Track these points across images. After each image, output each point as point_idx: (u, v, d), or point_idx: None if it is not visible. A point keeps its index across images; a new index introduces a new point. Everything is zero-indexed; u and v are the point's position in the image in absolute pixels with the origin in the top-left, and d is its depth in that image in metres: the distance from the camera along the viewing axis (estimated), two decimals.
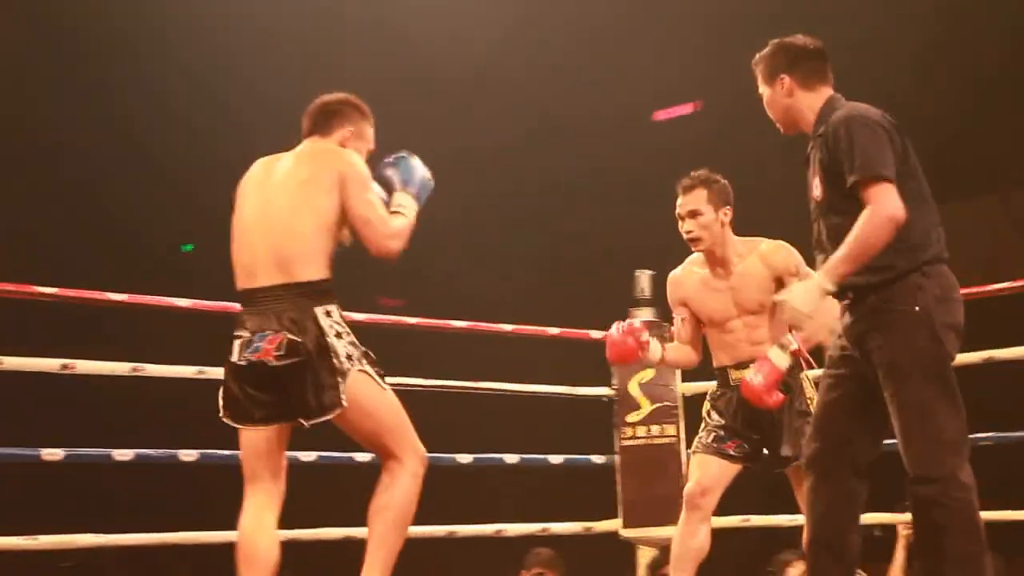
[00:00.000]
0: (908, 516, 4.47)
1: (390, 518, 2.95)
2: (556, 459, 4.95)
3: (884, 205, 2.85)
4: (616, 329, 3.84)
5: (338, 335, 2.92)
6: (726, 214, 3.80)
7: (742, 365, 3.73)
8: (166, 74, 9.26)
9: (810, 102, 3.08)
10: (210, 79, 9.09)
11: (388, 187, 3.17)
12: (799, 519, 4.75)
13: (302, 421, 2.95)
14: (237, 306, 3.07)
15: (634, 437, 4.89)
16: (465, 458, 4.63)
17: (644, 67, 8.72)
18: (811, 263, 3.22)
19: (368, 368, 2.95)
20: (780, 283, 3.69)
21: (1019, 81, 8.09)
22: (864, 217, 2.85)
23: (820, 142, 3.00)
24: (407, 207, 3.14)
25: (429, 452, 3.04)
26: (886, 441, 4.43)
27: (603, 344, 4.80)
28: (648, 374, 4.89)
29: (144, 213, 9.98)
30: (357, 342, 2.97)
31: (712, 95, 9.38)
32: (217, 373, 3.18)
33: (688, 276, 3.90)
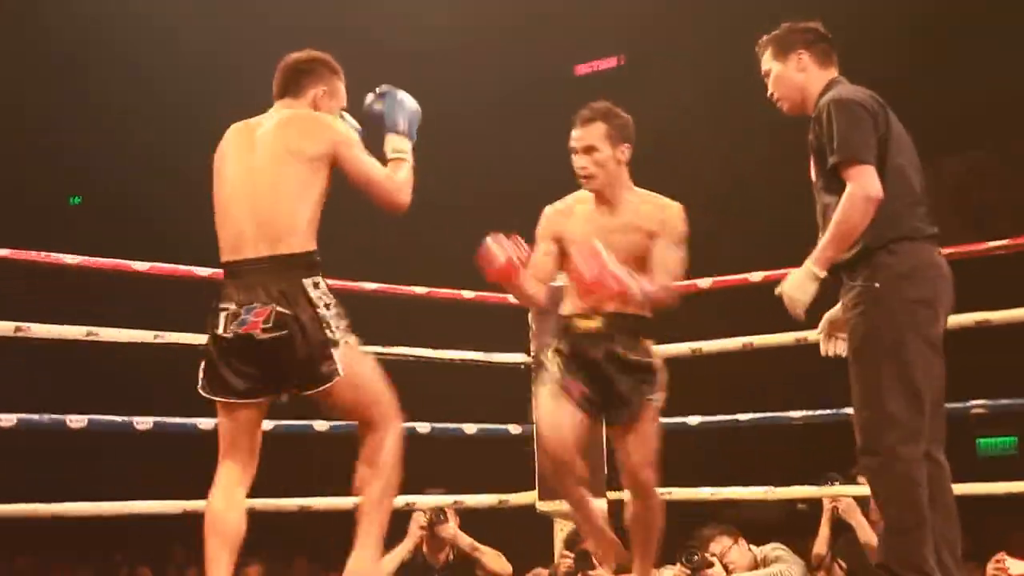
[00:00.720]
0: (834, 490, 4.44)
1: (380, 486, 2.97)
2: (470, 428, 4.75)
3: (860, 186, 2.93)
4: (496, 245, 3.40)
5: (327, 306, 2.93)
6: (624, 152, 3.52)
7: (593, 316, 3.50)
8: None
9: (818, 82, 3.15)
10: None
11: (377, 125, 3.10)
12: (723, 492, 4.67)
13: (295, 392, 2.97)
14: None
15: None
16: None
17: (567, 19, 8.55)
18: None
19: (352, 338, 2.97)
20: (653, 242, 3.46)
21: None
22: (843, 199, 2.94)
23: (812, 123, 3.07)
24: (404, 151, 3.11)
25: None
26: (812, 413, 4.42)
27: (522, 309, 4.70)
28: None
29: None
30: (342, 312, 2.97)
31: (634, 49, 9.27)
32: (174, 338, 3.40)
33: (569, 211, 3.59)
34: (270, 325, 2.86)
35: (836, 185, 2.97)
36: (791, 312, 3.03)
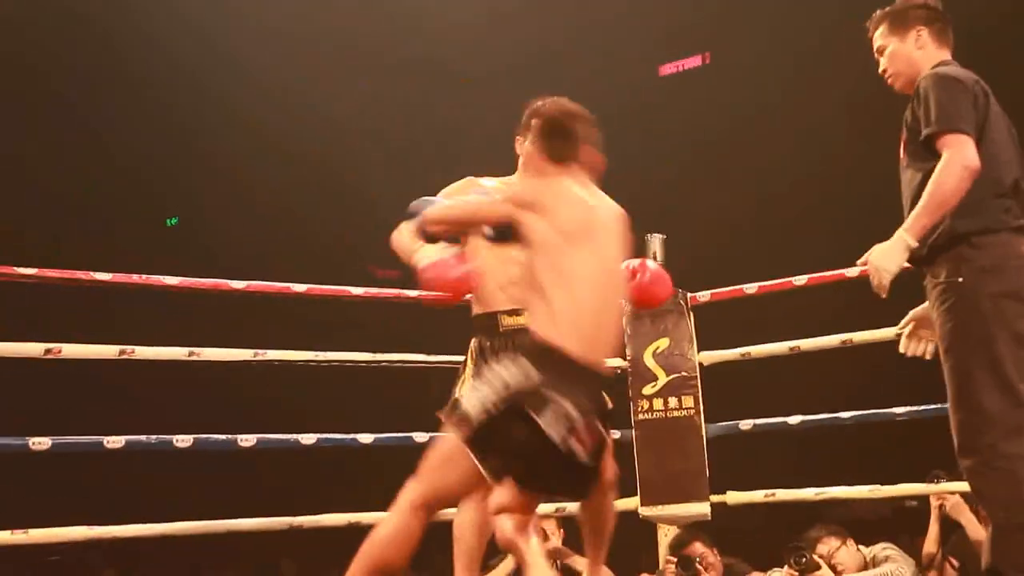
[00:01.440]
0: (940, 487, 4.33)
1: None
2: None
3: (958, 153, 2.84)
4: (441, 263, 3.24)
5: None
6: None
7: (517, 312, 3.40)
8: None
9: (932, 61, 3.06)
10: None
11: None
12: (828, 492, 4.59)
13: None
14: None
15: (650, 410, 4.66)
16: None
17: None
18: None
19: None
20: None
21: None
22: (939, 167, 2.85)
23: (912, 100, 3.01)
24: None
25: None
26: (915, 408, 4.32)
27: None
28: (663, 343, 4.66)
29: None
30: None
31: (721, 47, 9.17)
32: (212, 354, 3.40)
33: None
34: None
35: (927, 159, 2.89)
36: (875, 285, 2.92)
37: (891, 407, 4.51)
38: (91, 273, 3.92)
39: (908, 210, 2.95)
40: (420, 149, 9.77)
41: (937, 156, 2.87)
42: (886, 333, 4.26)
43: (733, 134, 8.58)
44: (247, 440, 4.10)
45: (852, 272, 4.34)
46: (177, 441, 3.97)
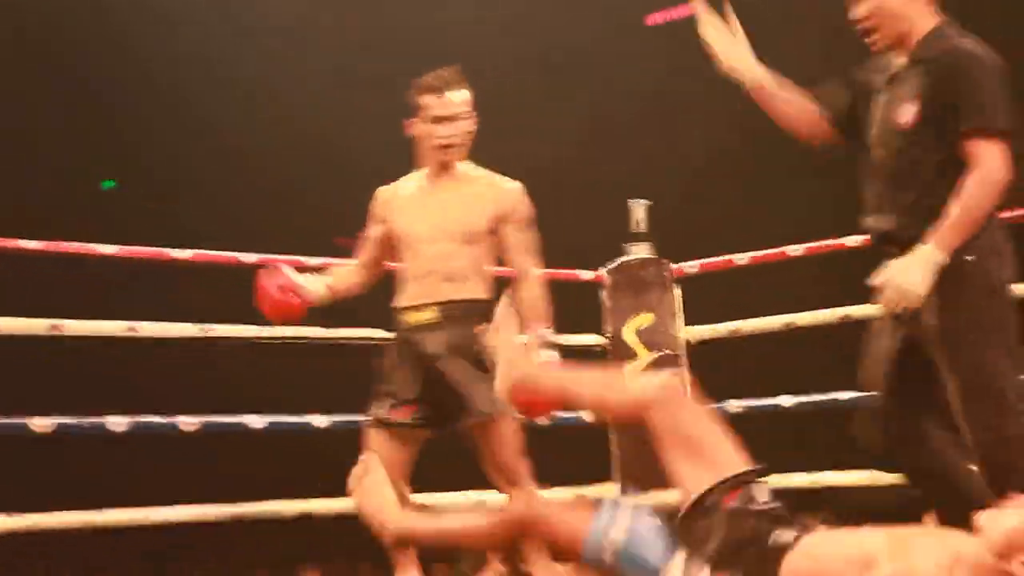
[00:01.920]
0: None
1: None
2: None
3: (997, 166, 2.67)
4: (270, 282, 3.32)
5: None
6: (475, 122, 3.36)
7: (425, 307, 3.28)
8: None
9: (923, 19, 2.81)
10: None
11: None
12: (823, 478, 4.33)
13: None
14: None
15: None
16: None
17: None
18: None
19: None
20: (497, 227, 3.30)
21: None
22: (979, 177, 2.66)
23: (924, 68, 2.74)
24: None
25: None
26: None
27: (595, 286, 4.47)
28: (646, 319, 4.43)
29: None
30: None
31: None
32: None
33: (401, 190, 3.41)
34: None
35: (940, 144, 2.69)
36: (896, 307, 2.69)
37: None
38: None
39: (894, 183, 2.75)
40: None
41: (958, 142, 2.68)
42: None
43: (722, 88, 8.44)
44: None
45: (852, 242, 4.18)
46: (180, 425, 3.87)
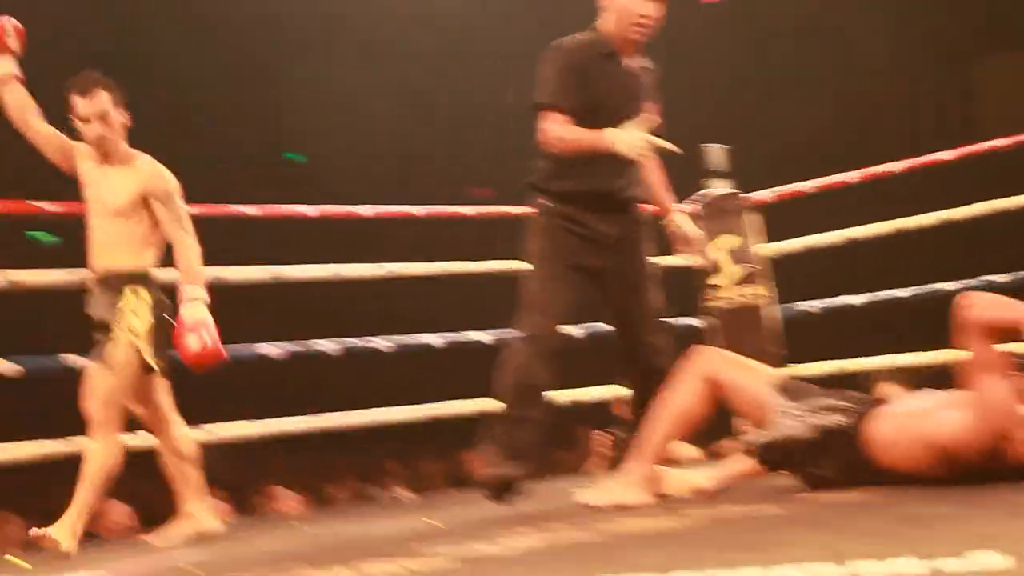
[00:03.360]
0: None
1: None
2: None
3: None
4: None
5: None
6: (125, 115, 3.60)
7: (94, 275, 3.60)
8: None
9: None
10: None
11: None
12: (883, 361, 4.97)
13: None
14: None
15: (726, 299, 5.08)
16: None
17: None
18: None
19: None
20: (146, 202, 3.56)
21: None
22: None
23: None
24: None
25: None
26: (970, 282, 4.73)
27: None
28: (734, 241, 5.08)
29: None
30: None
31: None
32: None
33: (83, 159, 3.64)
34: None
35: None
36: None
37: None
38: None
39: None
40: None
41: None
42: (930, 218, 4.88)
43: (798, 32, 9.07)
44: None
45: (897, 167, 4.91)
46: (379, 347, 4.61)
